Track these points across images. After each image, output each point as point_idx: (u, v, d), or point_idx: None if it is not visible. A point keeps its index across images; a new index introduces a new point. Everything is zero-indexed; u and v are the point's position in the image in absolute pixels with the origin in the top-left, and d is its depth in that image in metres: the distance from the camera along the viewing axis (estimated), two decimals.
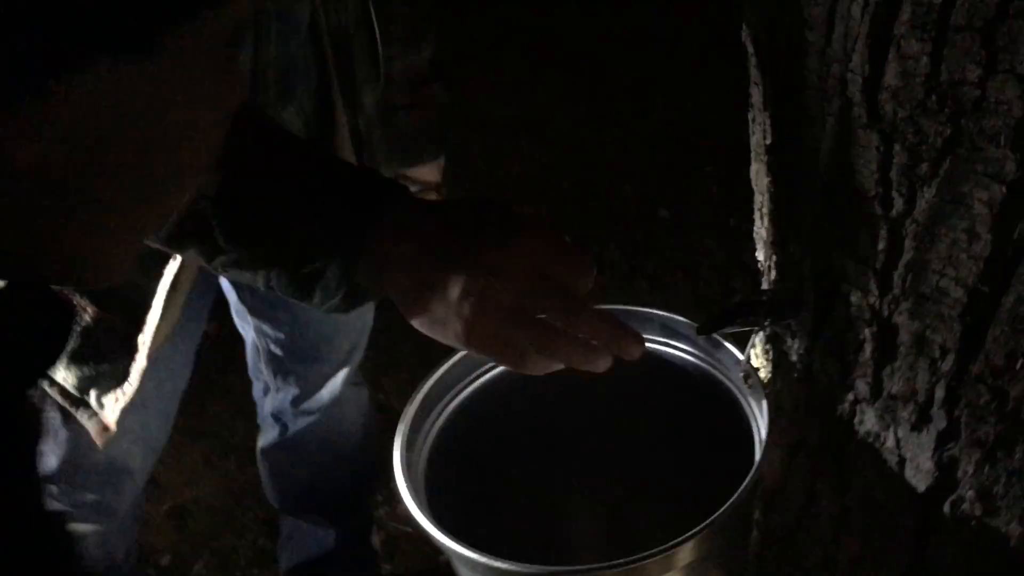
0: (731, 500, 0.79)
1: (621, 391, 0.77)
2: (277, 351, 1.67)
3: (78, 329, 1.18)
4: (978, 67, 0.63)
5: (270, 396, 1.77)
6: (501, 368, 0.95)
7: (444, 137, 1.56)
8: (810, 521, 0.88)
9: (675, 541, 0.77)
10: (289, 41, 1.21)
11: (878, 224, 0.73)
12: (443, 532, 0.80)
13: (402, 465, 0.85)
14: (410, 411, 0.90)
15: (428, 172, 1.57)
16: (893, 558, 0.81)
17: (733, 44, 0.98)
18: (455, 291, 0.69)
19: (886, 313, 0.75)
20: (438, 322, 0.71)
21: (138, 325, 1.20)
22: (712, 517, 0.78)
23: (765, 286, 0.98)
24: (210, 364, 2.35)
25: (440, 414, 0.93)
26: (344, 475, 1.82)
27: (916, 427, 0.75)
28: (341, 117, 1.31)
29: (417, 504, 0.83)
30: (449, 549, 0.80)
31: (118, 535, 1.59)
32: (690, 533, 0.77)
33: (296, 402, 1.73)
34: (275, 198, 0.74)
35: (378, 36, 1.32)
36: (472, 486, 0.96)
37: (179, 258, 1.17)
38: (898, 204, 0.71)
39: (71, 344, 1.19)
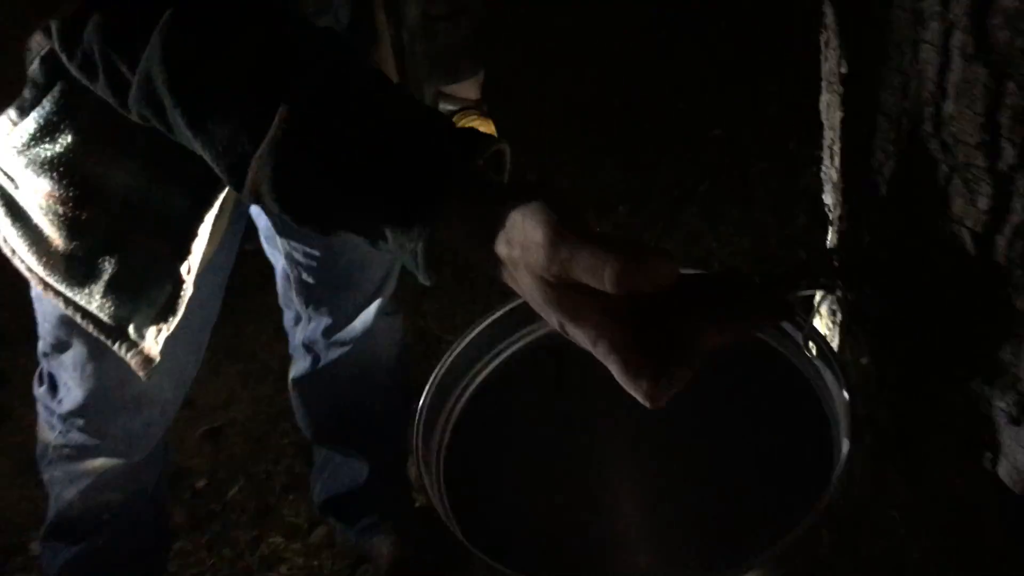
0: (804, 522, 0.62)
1: None
2: (308, 279, 1.61)
3: (118, 256, 1.12)
4: None
5: (301, 326, 1.72)
6: (525, 342, 0.85)
7: (482, 52, 1.49)
8: (875, 510, 0.78)
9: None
10: None
11: (981, 178, 0.61)
12: (470, 544, 0.70)
13: (420, 453, 0.76)
14: (429, 392, 0.81)
15: (467, 89, 1.52)
16: (973, 559, 0.71)
17: None
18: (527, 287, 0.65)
19: (986, 285, 0.63)
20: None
21: (184, 253, 1.14)
22: (781, 543, 0.61)
23: (831, 236, 0.86)
24: (248, 285, 2.30)
25: (462, 394, 0.84)
26: (377, 407, 1.77)
27: (1016, 420, 0.64)
28: (384, 30, 1.28)
29: (443, 509, 0.74)
30: (479, 559, 0.70)
31: (147, 466, 1.56)
32: (745, 565, 0.63)
33: (328, 332, 1.68)
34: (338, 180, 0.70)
35: None
36: (495, 475, 0.87)
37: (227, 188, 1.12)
38: (1008, 154, 0.59)
39: (109, 271, 1.13)
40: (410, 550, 1.82)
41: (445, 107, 1.50)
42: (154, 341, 1.18)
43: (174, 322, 1.18)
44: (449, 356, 0.83)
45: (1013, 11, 0.56)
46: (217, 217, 1.14)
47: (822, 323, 0.85)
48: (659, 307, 0.63)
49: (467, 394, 0.84)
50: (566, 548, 0.81)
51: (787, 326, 0.79)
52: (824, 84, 0.89)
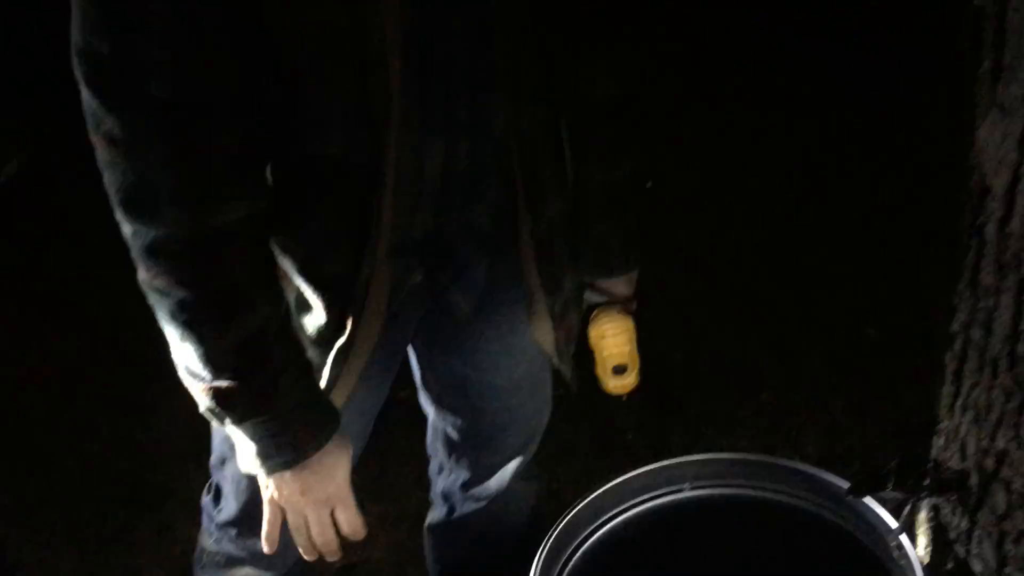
0: None
1: (762, 550, 0.73)
2: (454, 435, 1.69)
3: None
4: None
5: (443, 475, 1.79)
6: (630, 513, 0.93)
7: (640, 250, 1.49)
8: None
9: None
10: (481, 150, 1.24)
11: None
12: None
13: None
14: (548, 541, 0.90)
15: (618, 284, 1.51)
16: None
17: None
18: None
19: None
20: None
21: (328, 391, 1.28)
22: None
23: (934, 449, 0.92)
24: (397, 429, 2.42)
25: (579, 547, 0.92)
26: (502, 566, 1.81)
27: None
28: (524, 222, 1.33)
29: None
30: None
31: None
32: None
33: (465, 486, 1.75)
34: None
35: (567, 148, 1.33)
36: None
37: (348, 331, 1.25)
38: None
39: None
40: None
41: (591, 298, 1.49)
42: None
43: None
44: (570, 512, 0.91)
45: None
46: (354, 356, 1.26)
47: (919, 526, 0.89)
48: None
49: (584, 548, 0.92)
50: None
51: (880, 526, 0.85)
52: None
